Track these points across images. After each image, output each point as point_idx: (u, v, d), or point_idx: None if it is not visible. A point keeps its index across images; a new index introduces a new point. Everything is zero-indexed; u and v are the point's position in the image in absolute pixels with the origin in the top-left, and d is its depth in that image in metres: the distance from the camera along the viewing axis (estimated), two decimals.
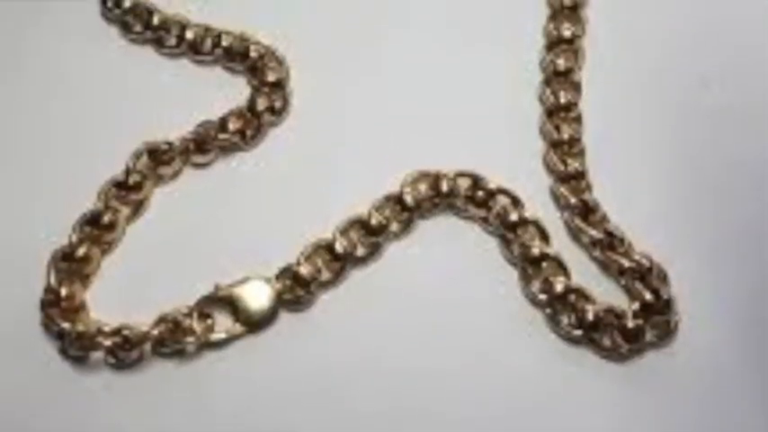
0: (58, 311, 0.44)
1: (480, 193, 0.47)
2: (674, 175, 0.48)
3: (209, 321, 0.44)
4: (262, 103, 0.49)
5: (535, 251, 0.45)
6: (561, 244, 0.46)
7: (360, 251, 0.46)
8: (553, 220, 0.47)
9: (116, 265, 0.46)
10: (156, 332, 0.43)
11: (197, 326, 0.44)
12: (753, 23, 0.51)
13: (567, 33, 0.51)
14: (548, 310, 0.45)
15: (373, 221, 0.46)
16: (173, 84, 0.51)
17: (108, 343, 0.43)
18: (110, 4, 0.52)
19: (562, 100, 0.49)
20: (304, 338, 0.45)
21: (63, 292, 0.44)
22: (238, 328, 0.44)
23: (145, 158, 0.48)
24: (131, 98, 0.50)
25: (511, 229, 0.46)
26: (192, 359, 0.44)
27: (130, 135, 0.48)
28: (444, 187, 0.47)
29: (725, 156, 0.48)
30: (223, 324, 0.45)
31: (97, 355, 0.44)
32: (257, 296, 0.45)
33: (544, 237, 0.46)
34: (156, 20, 0.51)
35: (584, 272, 0.46)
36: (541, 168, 0.48)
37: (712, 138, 0.48)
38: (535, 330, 0.45)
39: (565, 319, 0.45)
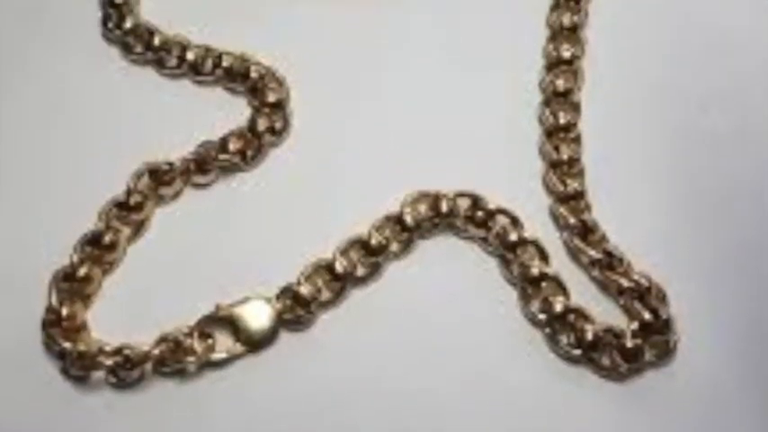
0: (60, 331, 0.45)
1: (480, 214, 0.47)
2: (673, 196, 0.48)
3: (210, 341, 0.45)
4: (262, 124, 0.50)
5: (534, 271, 0.46)
6: (560, 264, 0.47)
7: (360, 271, 0.47)
8: (552, 240, 0.48)
9: (117, 285, 0.47)
10: (156, 352, 0.44)
11: (198, 345, 0.45)
12: (750, 47, 0.52)
13: (566, 54, 0.52)
14: (547, 330, 0.46)
15: (373, 241, 0.47)
16: (173, 104, 0.51)
17: (109, 362, 0.44)
18: (111, 25, 0.53)
19: (561, 120, 0.50)
20: (304, 358, 0.45)
21: (64, 311, 0.45)
22: (239, 347, 0.45)
23: (146, 179, 0.48)
24: (132, 118, 0.51)
25: (510, 249, 0.47)
26: (192, 378, 0.45)
27: (131, 155, 0.49)
28: (444, 207, 0.47)
29: (723, 177, 0.49)
30: (224, 344, 0.45)
31: (98, 374, 0.44)
32: (258, 316, 0.45)
33: (543, 257, 0.47)
34: (156, 41, 0.52)
35: (583, 292, 0.46)
36: (541, 188, 0.49)
37: (710, 159, 0.49)
38: (534, 350, 0.45)
39: (564, 339, 0.45)
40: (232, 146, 0.49)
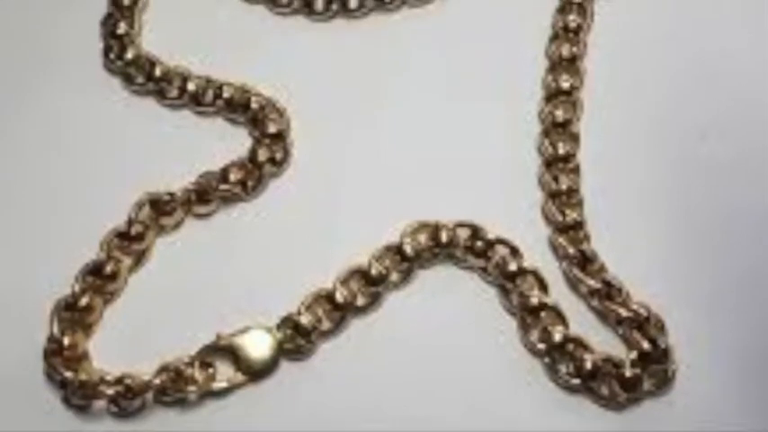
0: (61, 360, 0.46)
1: (479, 244, 0.48)
2: (671, 226, 0.49)
3: (211, 370, 0.46)
4: (263, 154, 0.51)
5: (534, 301, 0.47)
6: (560, 293, 0.48)
7: (360, 301, 0.48)
8: (552, 270, 0.49)
9: (118, 315, 0.48)
10: (158, 381, 0.45)
11: (199, 375, 0.46)
12: (748, 76, 0.53)
13: (565, 85, 0.53)
14: (546, 359, 0.46)
15: (373, 271, 0.48)
16: (174, 135, 0.53)
17: (110, 392, 0.45)
18: (112, 56, 0.54)
19: (560, 151, 0.51)
20: (305, 387, 0.46)
21: (66, 341, 0.46)
22: (240, 377, 0.46)
23: (147, 209, 0.49)
24: (133, 149, 0.52)
25: (510, 279, 0.48)
26: (193, 408, 0.46)
27: (133, 185, 0.50)
28: (444, 237, 0.48)
29: (722, 207, 0.50)
30: (224, 373, 0.46)
31: (100, 403, 0.45)
32: (258, 345, 0.46)
33: (543, 286, 0.48)
34: (158, 71, 0.53)
35: (582, 321, 0.47)
36: (540, 219, 0.50)
37: (709, 189, 0.50)
38: (534, 379, 0.46)
39: (563, 368, 0.46)
40: (233, 176, 0.50)
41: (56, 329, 0.47)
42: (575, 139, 0.52)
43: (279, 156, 0.51)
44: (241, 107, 0.53)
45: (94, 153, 0.52)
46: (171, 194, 0.50)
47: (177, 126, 0.53)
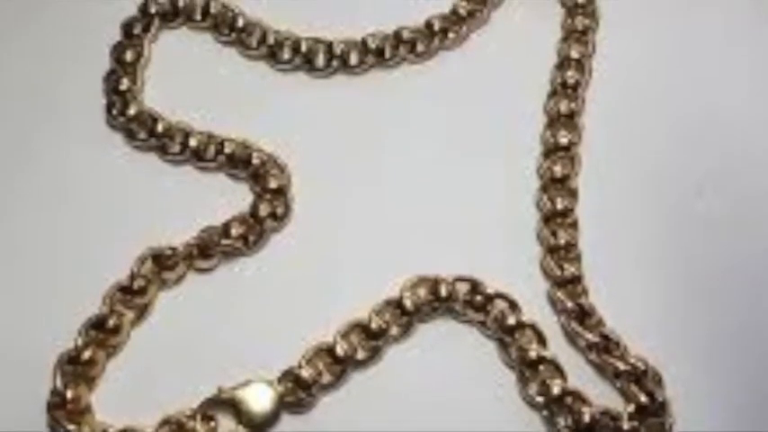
0: (64, 414, 0.47)
1: (478, 298, 0.50)
2: (669, 280, 0.51)
3: (213, 423, 0.47)
4: (264, 210, 0.53)
5: (532, 354, 0.49)
6: (558, 347, 0.50)
7: (360, 354, 0.49)
8: (550, 324, 0.50)
9: (121, 368, 0.49)
10: None
11: (200, 428, 0.47)
12: (745, 132, 0.55)
13: (563, 141, 0.55)
14: (545, 413, 0.48)
15: (373, 325, 0.50)
16: (176, 190, 0.54)
17: None
18: (115, 112, 0.55)
19: (559, 206, 0.53)
20: None
21: (69, 394, 0.47)
22: (241, 430, 0.48)
23: (149, 263, 0.51)
24: (136, 204, 0.53)
25: (509, 333, 0.49)
26: None
27: (135, 240, 0.51)
28: (443, 292, 0.50)
29: (719, 261, 0.52)
30: (226, 426, 0.48)
31: None
32: (259, 398, 0.48)
33: (541, 340, 0.49)
34: (160, 127, 0.55)
35: (580, 374, 0.49)
36: (539, 273, 0.52)
37: (706, 243, 0.52)
38: None
39: (562, 421, 0.48)
40: (234, 231, 0.52)
41: (59, 382, 0.48)
42: (573, 194, 0.54)
43: (280, 211, 0.53)
44: (242, 163, 0.54)
45: (97, 208, 0.53)
46: (173, 249, 0.51)
47: (179, 181, 0.54)
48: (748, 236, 0.53)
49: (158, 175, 0.55)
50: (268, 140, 0.55)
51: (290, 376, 0.49)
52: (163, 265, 0.51)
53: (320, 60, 0.58)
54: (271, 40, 0.58)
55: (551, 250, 0.52)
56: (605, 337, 0.49)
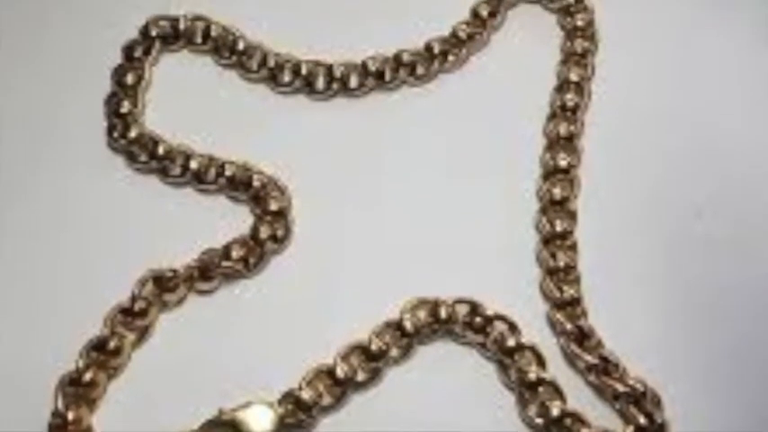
0: None
1: (478, 320, 0.51)
2: (668, 302, 0.52)
3: None
4: (264, 232, 0.53)
5: (532, 376, 0.49)
6: (557, 369, 0.50)
7: (360, 376, 0.50)
8: (549, 346, 0.51)
9: (122, 390, 0.50)
10: None
11: None
12: (743, 155, 0.56)
13: (563, 163, 0.55)
14: None
15: (373, 347, 0.50)
16: (177, 212, 0.55)
17: None
18: (116, 135, 0.56)
19: (558, 228, 0.54)
20: None
21: (70, 416, 0.48)
22: None
23: (150, 285, 0.52)
24: (137, 226, 0.54)
25: (508, 355, 0.50)
26: None
27: (136, 262, 0.52)
28: (443, 314, 0.51)
29: (717, 283, 0.53)
30: None
31: None
32: (260, 420, 0.48)
33: (540, 362, 0.50)
34: (160, 150, 0.55)
35: (579, 396, 0.50)
36: (538, 295, 0.53)
37: (705, 265, 0.53)
38: None
39: None
40: (235, 253, 0.53)
41: (60, 404, 0.48)
42: (572, 216, 0.54)
43: (280, 233, 0.54)
44: (243, 185, 0.55)
45: (98, 230, 0.54)
46: (174, 271, 0.52)
47: (180, 204, 0.55)
48: (747, 258, 0.54)
49: (159, 198, 0.55)
50: (268, 163, 0.56)
51: (291, 398, 0.49)
52: (164, 287, 0.52)
53: (320, 83, 0.58)
54: (271, 62, 0.59)
55: (551, 272, 0.53)
56: (604, 359, 0.50)
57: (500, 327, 0.51)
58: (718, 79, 0.59)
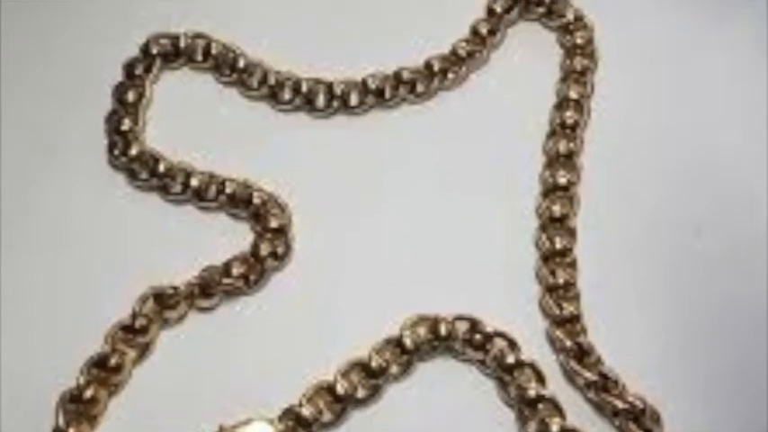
0: None
1: (478, 337, 0.51)
2: (667, 319, 0.53)
3: None
4: (264, 249, 0.54)
5: (531, 393, 0.50)
6: (557, 386, 0.51)
7: (360, 393, 0.51)
8: (549, 363, 0.52)
9: (123, 407, 0.51)
10: None
11: None
12: (742, 173, 0.57)
13: (562, 181, 0.56)
14: None
15: (373, 364, 0.51)
16: (178, 229, 0.55)
17: None
18: (117, 152, 0.57)
19: (558, 245, 0.54)
20: None
21: None
22: None
23: (151, 302, 0.52)
24: (138, 243, 0.55)
25: (508, 372, 0.51)
26: None
27: (137, 279, 0.53)
28: (443, 331, 0.51)
29: (717, 300, 0.53)
30: None
31: None
32: None
33: (540, 379, 0.51)
34: (161, 167, 0.56)
35: (579, 413, 0.50)
36: (537, 312, 0.53)
37: (704, 283, 0.54)
38: None
39: None
40: (235, 270, 0.53)
41: (61, 421, 0.49)
42: (571, 233, 0.55)
43: (280, 250, 0.54)
44: (243, 202, 0.55)
45: (99, 247, 0.55)
46: (174, 288, 0.53)
47: (180, 221, 0.56)
48: (746, 276, 0.54)
49: (160, 215, 0.56)
50: (269, 180, 0.56)
51: (291, 414, 0.50)
52: (164, 304, 0.53)
53: (321, 101, 0.59)
54: (272, 80, 0.60)
55: (550, 289, 0.54)
56: (604, 376, 0.51)
57: (500, 344, 0.52)
58: (718, 97, 0.59)
